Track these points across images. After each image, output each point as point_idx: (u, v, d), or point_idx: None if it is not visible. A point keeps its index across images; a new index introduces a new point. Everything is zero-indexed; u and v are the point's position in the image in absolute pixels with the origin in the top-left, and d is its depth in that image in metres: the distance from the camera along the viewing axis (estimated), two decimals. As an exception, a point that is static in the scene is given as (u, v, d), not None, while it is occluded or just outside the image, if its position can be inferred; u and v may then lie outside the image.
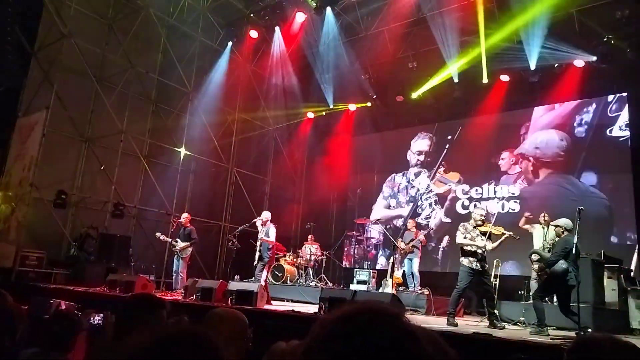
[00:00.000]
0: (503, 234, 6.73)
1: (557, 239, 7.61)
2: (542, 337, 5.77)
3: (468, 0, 10.87)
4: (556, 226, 6.65)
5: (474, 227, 6.86)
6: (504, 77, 11.64)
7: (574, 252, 6.09)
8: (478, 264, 6.70)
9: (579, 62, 10.53)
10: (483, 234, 6.77)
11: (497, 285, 8.46)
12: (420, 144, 13.70)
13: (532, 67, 10.87)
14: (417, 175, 13.53)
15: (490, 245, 6.72)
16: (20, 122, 10.98)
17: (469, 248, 6.73)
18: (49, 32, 11.07)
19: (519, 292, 8.97)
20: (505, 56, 11.08)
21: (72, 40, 10.93)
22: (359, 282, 10.69)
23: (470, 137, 12.48)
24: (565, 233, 6.49)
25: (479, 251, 6.70)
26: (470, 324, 7.31)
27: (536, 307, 6.45)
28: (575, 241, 6.06)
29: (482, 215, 6.95)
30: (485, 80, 11.59)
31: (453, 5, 10.99)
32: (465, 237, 6.79)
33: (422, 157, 13.58)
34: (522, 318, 7.58)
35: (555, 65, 10.85)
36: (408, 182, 13.63)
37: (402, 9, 11.68)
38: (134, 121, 12.57)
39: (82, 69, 11.34)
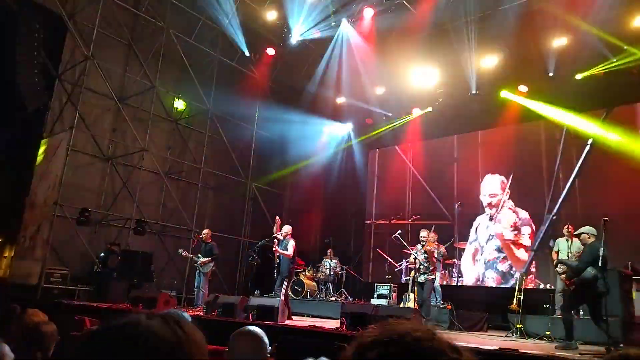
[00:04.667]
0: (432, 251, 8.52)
1: (581, 247, 7.49)
2: (570, 352, 5.62)
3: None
4: (581, 234, 6.51)
5: (422, 246, 8.52)
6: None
7: (601, 259, 5.93)
8: (421, 277, 8.35)
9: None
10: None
11: (522, 299, 8.28)
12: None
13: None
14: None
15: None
16: (45, 142, 11.28)
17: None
18: (73, 54, 11.42)
19: (545, 306, 8.77)
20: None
21: (94, 62, 11.24)
22: (379, 297, 10.60)
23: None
24: (592, 239, 6.33)
25: (421, 266, 8.39)
26: (495, 339, 7.18)
27: (565, 320, 6.28)
28: (601, 253, 5.92)
29: (423, 237, 8.59)
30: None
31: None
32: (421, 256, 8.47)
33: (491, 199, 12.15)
34: (547, 332, 7.41)
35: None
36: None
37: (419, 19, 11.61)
38: (155, 139, 12.83)
39: (104, 89, 11.66)
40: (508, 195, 11.82)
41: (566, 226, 8.61)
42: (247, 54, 14.25)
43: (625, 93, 10.13)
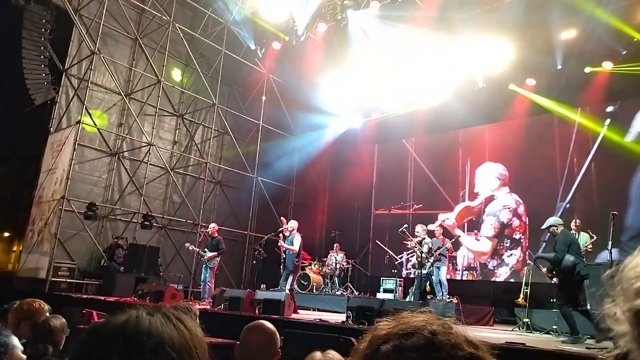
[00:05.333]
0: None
1: (588, 241, 7.55)
2: (577, 346, 5.60)
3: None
4: (550, 227, 6.53)
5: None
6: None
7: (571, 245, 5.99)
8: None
9: None
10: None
11: (529, 293, 8.25)
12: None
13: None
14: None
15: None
16: (52, 137, 11.34)
17: None
18: (79, 49, 11.46)
19: (552, 300, 8.72)
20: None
21: (101, 57, 11.26)
22: (385, 291, 10.59)
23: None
24: (560, 228, 6.43)
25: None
26: (501, 333, 7.17)
27: (564, 314, 6.27)
28: (609, 247, 5.89)
29: (417, 232, 9.14)
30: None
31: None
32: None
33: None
34: (554, 327, 7.38)
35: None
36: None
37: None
38: (161, 134, 12.87)
39: (110, 84, 11.69)
40: (498, 184, 11.83)
41: (574, 220, 8.57)
42: (253, 48, 14.23)
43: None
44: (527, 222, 11.24)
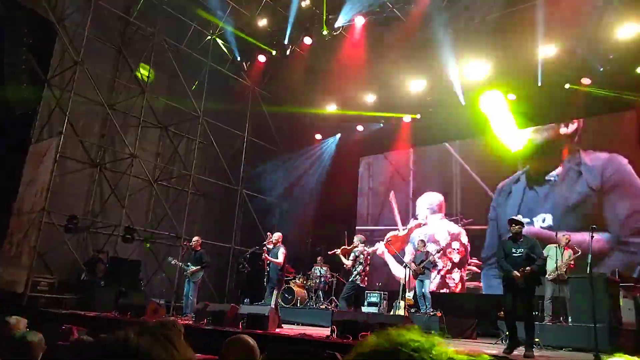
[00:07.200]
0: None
1: (571, 257, 7.61)
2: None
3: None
4: (521, 224, 6.28)
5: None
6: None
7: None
8: None
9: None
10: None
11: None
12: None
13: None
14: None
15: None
16: (32, 148, 11.15)
17: None
18: (62, 59, 11.32)
19: (534, 313, 8.78)
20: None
21: (84, 67, 11.15)
22: (369, 304, 10.58)
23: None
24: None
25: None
26: (484, 346, 7.20)
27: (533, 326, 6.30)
28: (589, 260, 5.98)
29: (354, 241, 9.34)
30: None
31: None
32: None
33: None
34: (537, 339, 7.42)
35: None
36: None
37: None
38: (144, 146, 12.75)
39: (93, 95, 11.55)
40: (427, 214, 12.75)
41: (563, 234, 8.65)
42: (238, 60, 14.27)
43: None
44: (449, 250, 12.02)
